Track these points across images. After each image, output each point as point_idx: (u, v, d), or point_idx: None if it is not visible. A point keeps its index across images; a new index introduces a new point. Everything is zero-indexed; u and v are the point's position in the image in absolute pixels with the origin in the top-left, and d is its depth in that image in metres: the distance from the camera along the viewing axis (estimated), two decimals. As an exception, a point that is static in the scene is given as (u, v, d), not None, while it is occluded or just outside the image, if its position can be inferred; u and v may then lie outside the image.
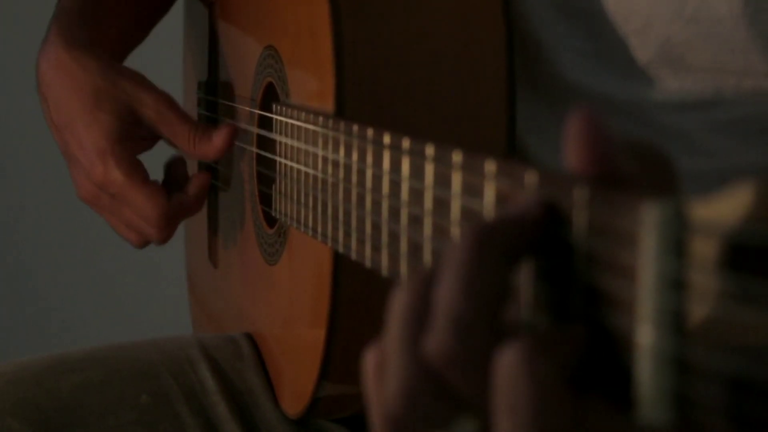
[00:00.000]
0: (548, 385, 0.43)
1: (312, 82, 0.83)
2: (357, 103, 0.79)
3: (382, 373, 0.50)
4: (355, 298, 0.81)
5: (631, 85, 0.83)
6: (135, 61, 1.07)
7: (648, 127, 0.84)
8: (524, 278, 0.48)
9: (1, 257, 2.31)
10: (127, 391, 0.94)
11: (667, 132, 0.84)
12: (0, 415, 0.91)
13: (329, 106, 0.79)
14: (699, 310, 0.39)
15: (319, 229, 0.77)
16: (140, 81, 0.99)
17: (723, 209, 0.39)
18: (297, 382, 0.89)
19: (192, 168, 1.09)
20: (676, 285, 0.40)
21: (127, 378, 0.95)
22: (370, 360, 0.51)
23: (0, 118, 2.27)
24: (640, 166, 0.45)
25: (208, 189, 1.03)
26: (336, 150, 0.73)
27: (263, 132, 0.94)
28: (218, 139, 0.99)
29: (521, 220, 0.47)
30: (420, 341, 0.49)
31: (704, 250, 0.39)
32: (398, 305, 0.50)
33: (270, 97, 0.93)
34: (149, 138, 1.00)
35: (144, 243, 1.03)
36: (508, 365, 0.44)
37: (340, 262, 0.80)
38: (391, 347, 0.49)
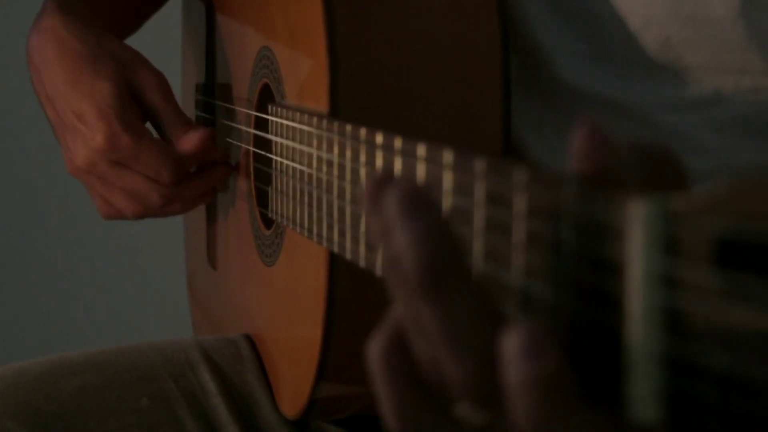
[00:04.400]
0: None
1: (307, 83, 0.83)
2: (351, 103, 0.79)
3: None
4: (351, 299, 0.81)
5: (630, 85, 0.83)
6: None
7: (647, 127, 0.84)
8: (515, 277, 0.48)
9: (1, 260, 2.31)
10: (127, 395, 0.94)
11: (666, 132, 0.83)
12: (0, 418, 0.91)
13: (324, 106, 0.79)
14: (687, 306, 0.39)
15: (314, 230, 0.77)
16: (137, 57, 1.00)
17: (708, 204, 0.39)
18: (295, 384, 0.89)
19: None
20: (663, 281, 0.40)
21: (127, 381, 0.95)
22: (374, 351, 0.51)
23: (0, 119, 2.27)
24: (643, 167, 0.45)
25: (212, 145, 1.03)
26: (330, 150, 0.73)
27: (259, 133, 0.94)
28: (187, 141, 0.98)
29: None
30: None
31: (691, 246, 0.39)
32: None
33: (266, 98, 0.93)
34: (140, 111, 1.00)
35: (143, 213, 1.01)
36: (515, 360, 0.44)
37: (336, 263, 0.80)
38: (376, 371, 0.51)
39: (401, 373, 0.50)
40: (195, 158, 1.00)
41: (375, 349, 0.50)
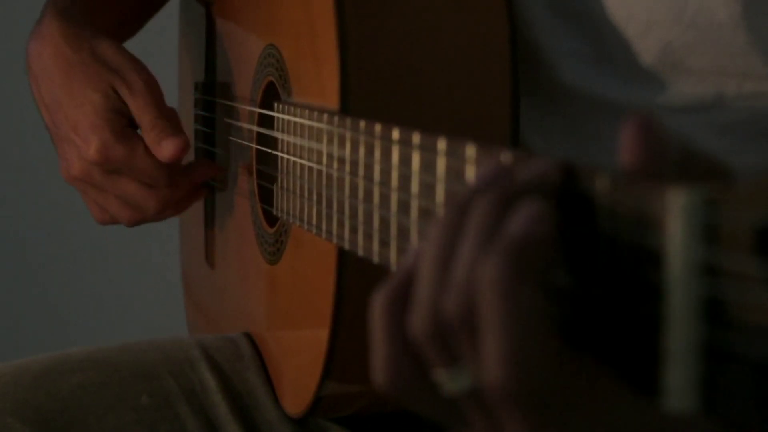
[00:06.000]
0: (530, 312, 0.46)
1: (316, 80, 0.83)
2: (361, 100, 0.79)
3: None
4: (359, 297, 0.81)
5: (632, 88, 0.84)
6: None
7: None
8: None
9: (2, 258, 2.30)
10: (127, 392, 0.94)
11: None
12: (0, 415, 0.91)
13: (334, 103, 0.79)
14: (728, 295, 0.39)
15: (324, 227, 0.77)
16: (129, 60, 0.99)
17: (748, 194, 0.39)
18: (299, 381, 0.89)
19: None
20: (704, 271, 0.40)
21: (127, 379, 0.95)
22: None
23: (1, 118, 2.26)
24: (688, 167, 0.45)
25: (211, 173, 1.03)
26: (342, 146, 0.73)
27: (265, 131, 0.94)
28: (162, 150, 0.96)
29: (539, 179, 0.49)
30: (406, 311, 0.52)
31: (732, 234, 0.39)
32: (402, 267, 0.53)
33: (270, 96, 0.93)
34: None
35: (138, 220, 1.01)
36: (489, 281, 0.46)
37: (345, 261, 0.80)
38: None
39: (399, 325, 0.52)
40: (197, 173, 1.01)
41: (379, 299, 0.52)
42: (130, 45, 1.10)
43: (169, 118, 0.98)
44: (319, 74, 0.82)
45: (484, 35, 0.81)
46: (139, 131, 0.99)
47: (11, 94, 2.08)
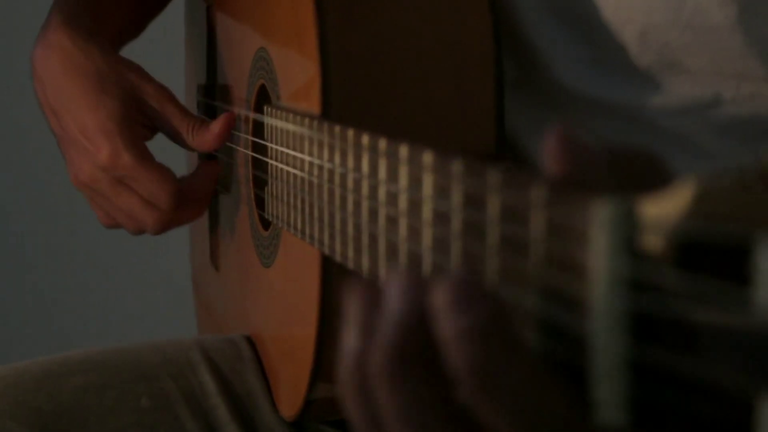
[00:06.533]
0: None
1: (300, 84, 0.83)
2: (343, 103, 0.79)
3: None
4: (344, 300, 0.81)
5: (630, 89, 0.83)
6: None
7: (647, 130, 0.84)
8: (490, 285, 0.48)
9: (2, 259, 2.31)
10: (127, 394, 0.95)
11: (666, 135, 0.83)
12: (0, 418, 0.91)
13: (316, 107, 0.79)
14: (652, 309, 0.39)
15: (308, 232, 0.77)
16: (143, 73, 1.01)
17: (671, 206, 0.38)
18: (292, 385, 0.89)
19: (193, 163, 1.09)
20: (628, 284, 0.40)
21: (127, 381, 0.95)
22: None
23: (2, 120, 2.28)
24: (618, 170, 0.45)
25: (215, 176, 1.03)
26: (321, 152, 0.73)
27: (255, 139, 0.94)
28: (216, 126, 0.99)
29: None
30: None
31: (656, 248, 0.39)
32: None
33: (263, 99, 0.93)
34: (149, 128, 1.01)
35: (140, 232, 1.02)
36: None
37: (329, 264, 0.80)
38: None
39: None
40: (202, 185, 1.01)
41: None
42: (136, 45, 1.10)
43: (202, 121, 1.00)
44: (303, 77, 0.82)
45: (466, 36, 0.81)
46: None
47: (12, 97, 2.09)
